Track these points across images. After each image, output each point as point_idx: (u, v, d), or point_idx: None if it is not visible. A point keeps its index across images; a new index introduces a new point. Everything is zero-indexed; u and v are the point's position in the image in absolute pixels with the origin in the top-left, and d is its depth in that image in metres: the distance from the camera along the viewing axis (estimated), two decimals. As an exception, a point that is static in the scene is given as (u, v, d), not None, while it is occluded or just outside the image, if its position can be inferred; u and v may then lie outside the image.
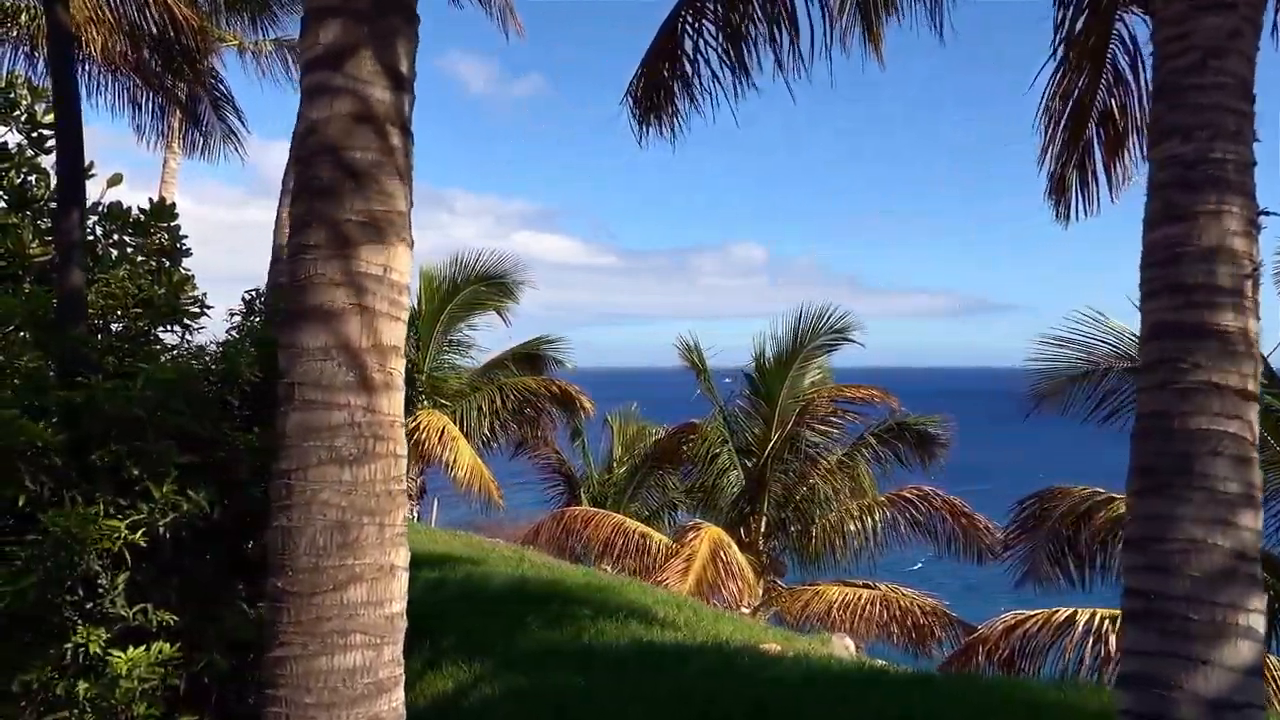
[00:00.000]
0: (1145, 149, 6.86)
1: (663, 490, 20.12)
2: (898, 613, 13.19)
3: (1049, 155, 6.58)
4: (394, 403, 3.35)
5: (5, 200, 5.90)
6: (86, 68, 13.50)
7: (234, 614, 4.69)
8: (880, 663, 8.95)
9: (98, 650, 4.26)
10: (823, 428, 15.18)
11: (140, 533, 4.27)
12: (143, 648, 4.26)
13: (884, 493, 15.65)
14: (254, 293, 6.86)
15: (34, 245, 5.85)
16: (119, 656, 4.22)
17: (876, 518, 14.82)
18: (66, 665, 4.34)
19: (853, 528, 15.03)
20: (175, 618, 4.44)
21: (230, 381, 5.19)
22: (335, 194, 3.28)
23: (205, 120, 14.99)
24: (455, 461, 15.55)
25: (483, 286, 17.63)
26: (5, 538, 4.33)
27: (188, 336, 5.80)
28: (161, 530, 4.33)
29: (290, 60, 19.45)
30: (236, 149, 15.68)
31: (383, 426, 3.29)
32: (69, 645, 4.27)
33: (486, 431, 16.74)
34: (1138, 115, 6.56)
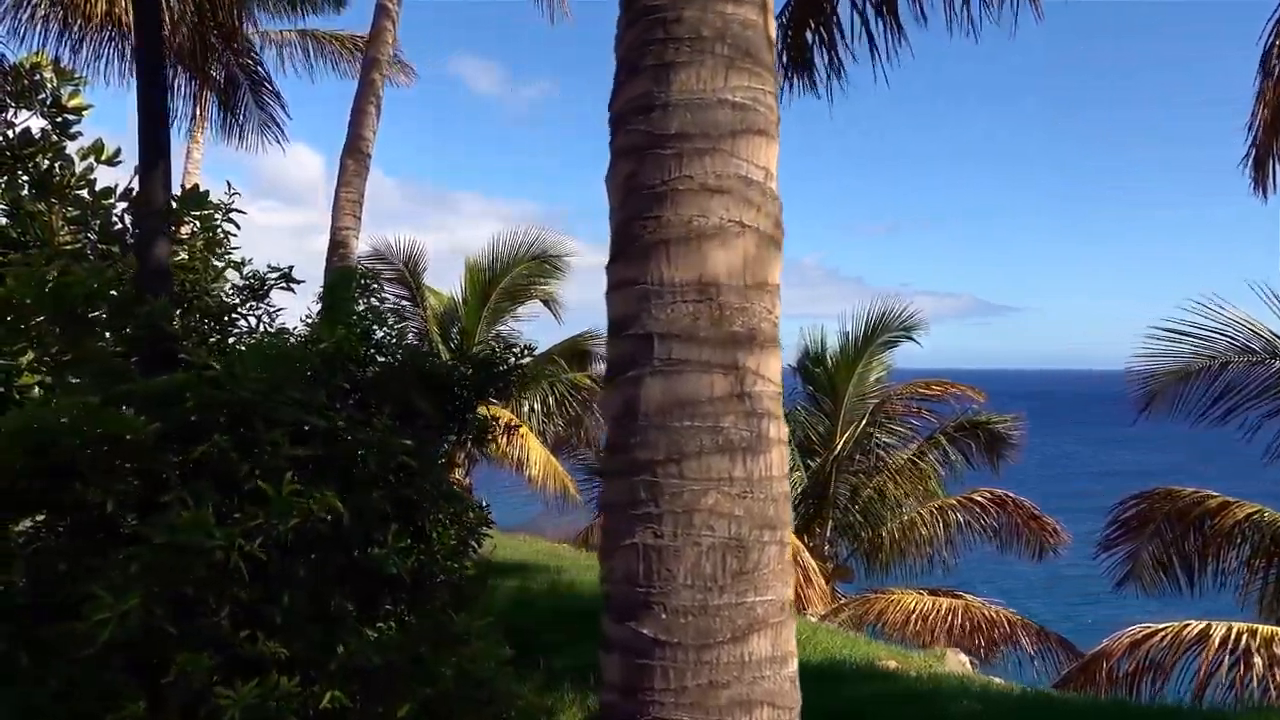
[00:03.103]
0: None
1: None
2: (983, 624, 12.38)
3: (1257, 125, 5.84)
4: (778, 366, 2.42)
5: (30, 187, 5.24)
6: (122, 46, 12.83)
7: (354, 639, 3.94)
8: (999, 681, 8.20)
9: (202, 682, 3.52)
10: (896, 427, 14.44)
11: (258, 542, 3.52)
12: (254, 681, 3.51)
13: (953, 495, 14.95)
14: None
15: (63, 232, 5.19)
16: (227, 694, 3.47)
17: (951, 520, 14.08)
18: (164, 699, 3.60)
19: (924, 532, 14.29)
20: (285, 651, 3.69)
21: (336, 363, 4.44)
22: (700, 63, 2.32)
23: (243, 105, 14.26)
24: (527, 459, 14.79)
25: (524, 270, 16.69)
26: (93, 548, 3.60)
27: (270, 317, 5.12)
28: (287, 538, 3.58)
29: (313, 51, 18.57)
30: (276, 139, 14.94)
31: (774, 399, 2.35)
32: (169, 677, 3.52)
33: (538, 430, 16.00)
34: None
